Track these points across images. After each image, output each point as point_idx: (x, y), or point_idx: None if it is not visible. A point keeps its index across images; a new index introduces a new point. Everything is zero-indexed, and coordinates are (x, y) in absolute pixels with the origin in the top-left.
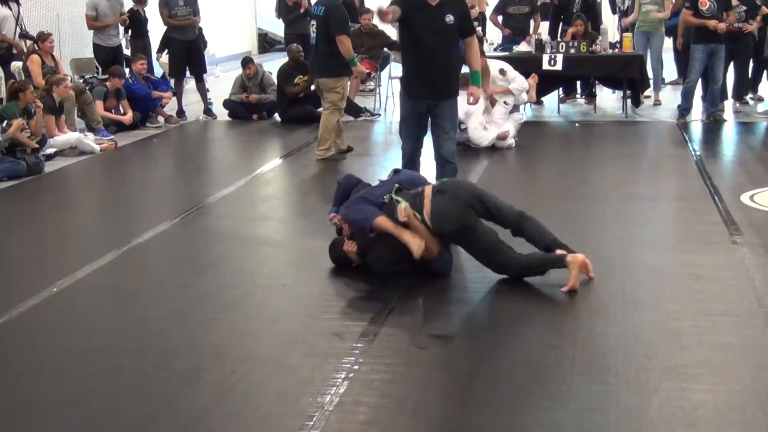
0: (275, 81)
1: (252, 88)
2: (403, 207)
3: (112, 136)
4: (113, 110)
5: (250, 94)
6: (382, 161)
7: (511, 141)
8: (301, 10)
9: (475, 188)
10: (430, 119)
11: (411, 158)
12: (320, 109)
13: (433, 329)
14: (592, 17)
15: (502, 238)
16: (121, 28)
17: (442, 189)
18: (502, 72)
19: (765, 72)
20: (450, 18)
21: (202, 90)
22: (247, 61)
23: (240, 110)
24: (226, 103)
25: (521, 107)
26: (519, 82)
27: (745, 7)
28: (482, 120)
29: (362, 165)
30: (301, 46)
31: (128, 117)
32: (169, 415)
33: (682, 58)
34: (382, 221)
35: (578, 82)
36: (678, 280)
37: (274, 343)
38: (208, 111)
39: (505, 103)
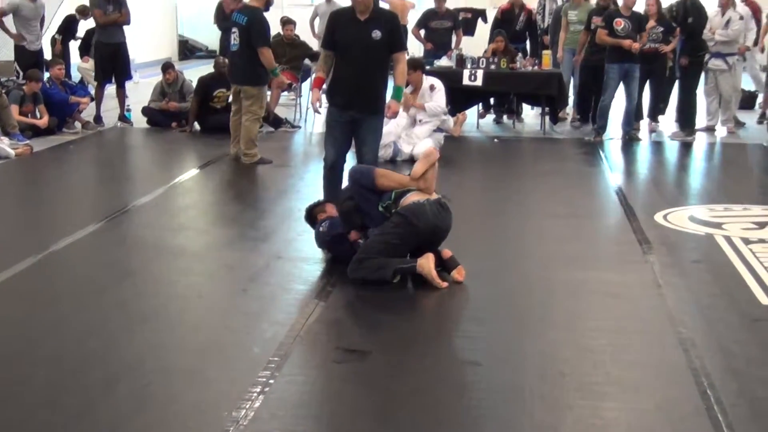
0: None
1: (171, 94)
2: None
3: (27, 141)
4: (29, 115)
5: (169, 101)
6: (302, 172)
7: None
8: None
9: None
10: (353, 131)
11: (332, 167)
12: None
13: (350, 343)
14: (533, 36)
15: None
16: (45, 32)
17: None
18: (431, 87)
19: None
20: (377, 34)
21: (121, 96)
22: (167, 66)
23: (159, 118)
24: (145, 110)
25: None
26: (436, 104)
27: (662, 28)
28: (403, 136)
29: (282, 176)
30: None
31: (44, 121)
32: (83, 426)
33: (581, 75)
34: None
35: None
36: (593, 297)
37: (190, 354)
38: (123, 118)
39: (420, 120)
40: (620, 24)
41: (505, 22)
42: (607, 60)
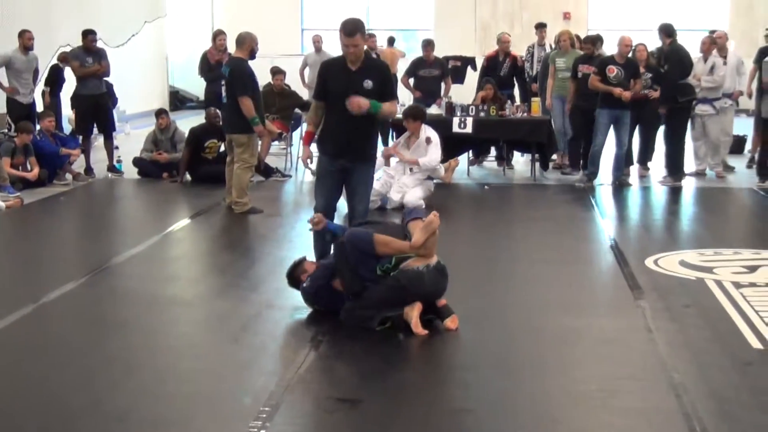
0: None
1: (164, 142)
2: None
3: (18, 194)
4: (20, 167)
5: (161, 151)
6: (293, 222)
7: (420, 202)
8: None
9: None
10: (344, 181)
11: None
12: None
13: (341, 392)
14: (521, 82)
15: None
16: (39, 84)
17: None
18: (428, 140)
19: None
20: (368, 83)
21: (109, 147)
22: (160, 112)
23: (150, 169)
24: (136, 161)
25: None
26: (431, 157)
27: (650, 74)
28: (396, 185)
29: (273, 225)
30: (219, 110)
31: (34, 173)
32: None
33: (572, 122)
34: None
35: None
36: (584, 343)
37: (180, 406)
38: (112, 168)
39: (411, 170)
40: (613, 71)
41: (491, 69)
42: (599, 105)
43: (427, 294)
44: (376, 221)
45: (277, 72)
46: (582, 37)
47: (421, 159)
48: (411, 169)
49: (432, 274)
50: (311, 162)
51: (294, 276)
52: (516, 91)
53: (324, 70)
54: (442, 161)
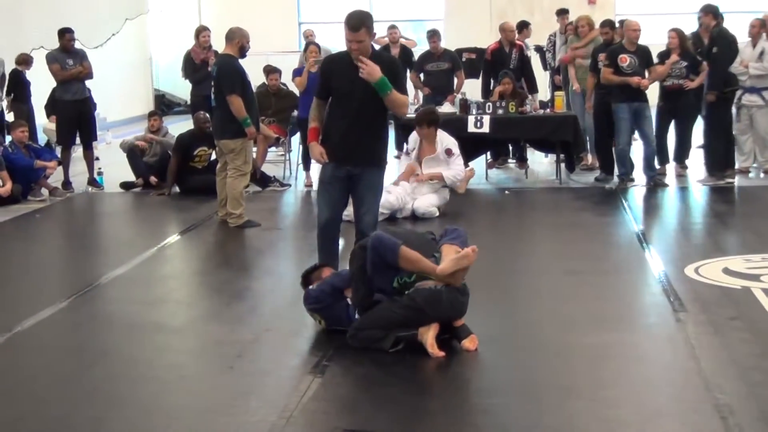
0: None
1: (153, 145)
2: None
3: None
4: None
5: (144, 140)
6: (294, 235)
7: (433, 209)
8: (209, 69)
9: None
10: (350, 188)
11: (326, 227)
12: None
13: (351, 423)
14: (528, 76)
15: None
16: (3, 92)
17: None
18: (448, 152)
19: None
20: None
21: (90, 158)
22: (153, 114)
23: (137, 160)
24: (124, 146)
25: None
26: (456, 170)
27: (686, 63)
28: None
29: (272, 240)
30: (208, 113)
31: (7, 189)
32: None
33: (595, 122)
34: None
35: (509, 146)
36: (616, 362)
37: None
38: (94, 182)
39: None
40: (625, 60)
41: (496, 63)
42: (614, 100)
43: (445, 315)
44: (402, 230)
45: (271, 71)
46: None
47: (445, 172)
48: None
49: (451, 294)
50: (325, 156)
51: (308, 278)
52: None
53: (327, 65)
54: None
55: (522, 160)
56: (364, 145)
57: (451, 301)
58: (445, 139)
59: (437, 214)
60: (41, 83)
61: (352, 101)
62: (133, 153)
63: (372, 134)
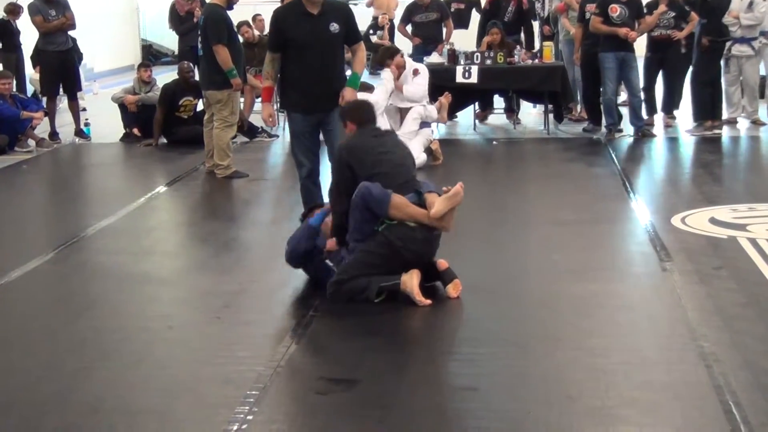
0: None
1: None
2: None
3: None
4: None
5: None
6: (281, 186)
7: (422, 156)
8: (195, 20)
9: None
10: (322, 133)
11: (309, 177)
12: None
13: (335, 372)
14: (527, 26)
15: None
16: None
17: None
18: (415, 72)
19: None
20: (335, 27)
21: (75, 109)
22: (144, 65)
23: (127, 113)
24: (116, 98)
25: (432, 123)
26: (415, 88)
27: (674, 13)
28: None
29: (260, 189)
30: (193, 63)
31: None
32: None
33: (583, 73)
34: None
35: (496, 96)
36: (603, 312)
37: (158, 393)
38: (81, 133)
39: (402, 110)
40: (616, 11)
41: (493, 13)
42: (601, 49)
43: (420, 251)
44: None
45: (240, 25)
46: None
47: (405, 86)
48: (401, 109)
49: (425, 231)
50: (276, 124)
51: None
52: (522, 37)
53: (279, 18)
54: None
55: (510, 111)
56: (329, 91)
57: (426, 237)
58: (415, 64)
59: (426, 158)
60: (31, 33)
61: (313, 51)
62: (123, 107)
63: (335, 78)
